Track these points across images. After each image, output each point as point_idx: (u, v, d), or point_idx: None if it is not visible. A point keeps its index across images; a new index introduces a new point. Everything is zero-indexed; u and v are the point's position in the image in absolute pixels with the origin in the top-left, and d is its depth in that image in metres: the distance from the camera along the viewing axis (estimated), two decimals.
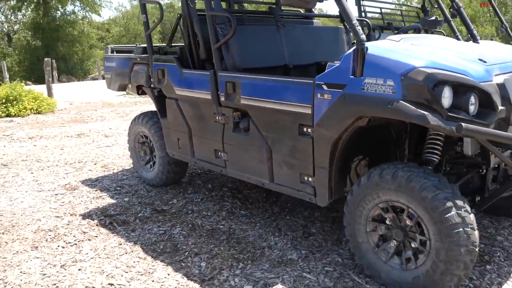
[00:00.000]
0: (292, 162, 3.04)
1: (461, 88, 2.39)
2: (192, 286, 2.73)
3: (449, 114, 2.31)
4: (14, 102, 9.07)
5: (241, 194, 4.27)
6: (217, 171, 3.75)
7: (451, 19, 4.89)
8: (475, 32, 3.85)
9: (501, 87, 2.49)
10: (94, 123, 8.37)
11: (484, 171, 2.94)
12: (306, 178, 2.99)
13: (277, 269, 2.91)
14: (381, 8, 6.49)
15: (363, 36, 2.53)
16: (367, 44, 2.56)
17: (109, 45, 5.14)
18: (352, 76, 2.56)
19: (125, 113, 9.54)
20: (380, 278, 2.67)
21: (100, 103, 11.16)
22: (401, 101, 2.35)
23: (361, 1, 5.88)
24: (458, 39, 4.14)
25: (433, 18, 5.11)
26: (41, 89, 11.32)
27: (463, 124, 2.22)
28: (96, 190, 4.48)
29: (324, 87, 2.71)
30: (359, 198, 2.67)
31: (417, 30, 4.11)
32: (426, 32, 5.97)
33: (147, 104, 10.96)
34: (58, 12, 27.07)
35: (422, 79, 2.32)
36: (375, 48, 2.55)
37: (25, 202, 4.19)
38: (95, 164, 5.48)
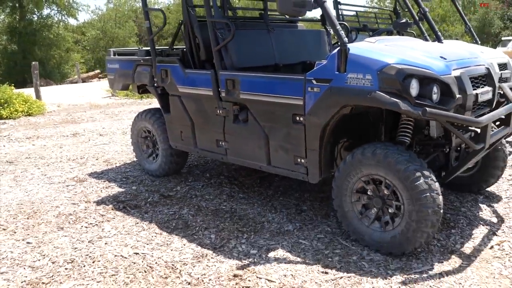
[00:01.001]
0: (287, 146, 3.56)
1: (426, 80, 2.95)
2: (206, 252, 3.21)
3: (416, 101, 2.86)
4: (5, 105, 9.34)
5: (237, 181, 4.77)
6: (218, 159, 4.24)
7: (419, 21, 5.50)
8: (439, 33, 4.43)
9: (458, 79, 3.06)
10: (86, 124, 8.72)
11: (448, 150, 3.52)
12: (299, 159, 3.50)
13: (277, 237, 3.42)
14: (356, 12, 7.06)
15: (346, 39, 3.07)
16: (349, 45, 3.10)
17: (111, 49, 5.57)
18: (337, 72, 3.10)
19: (114, 114, 9.91)
20: (364, 241, 3.21)
21: (88, 105, 11.47)
22: (377, 92, 2.90)
23: (338, 5, 6.44)
24: (426, 39, 4.70)
25: (404, 20, 5.70)
26: (24, 92, 11.55)
27: (427, 108, 2.78)
28: (104, 181, 4.91)
29: (314, 81, 3.24)
30: (345, 173, 3.20)
31: (389, 33, 4.68)
32: (398, 33, 6.59)
33: (134, 105, 11.33)
34: (34, 16, 27.02)
35: (394, 73, 2.87)
36: (355, 48, 3.09)
37: (40, 192, 4.58)
38: (97, 159, 5.89)
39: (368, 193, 3.19)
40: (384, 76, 2.90)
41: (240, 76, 3.78)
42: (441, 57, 3.19)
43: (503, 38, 22.96)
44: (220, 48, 3.92)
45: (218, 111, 4.03)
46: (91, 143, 6.93)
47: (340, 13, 6.49)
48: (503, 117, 3.59)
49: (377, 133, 3.64)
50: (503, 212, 3.85)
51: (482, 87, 3.37)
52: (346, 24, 5.27)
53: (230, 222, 3.72)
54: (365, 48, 3.12)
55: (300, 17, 5.48)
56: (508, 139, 6.60)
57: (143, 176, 5.04)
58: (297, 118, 3.43)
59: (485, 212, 3.86)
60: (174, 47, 4.71)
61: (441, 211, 2.93)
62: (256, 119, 3.74)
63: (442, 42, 4.40)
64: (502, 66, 5.84)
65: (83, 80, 21.38)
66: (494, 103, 3.55)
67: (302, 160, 3.49)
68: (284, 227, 3.60)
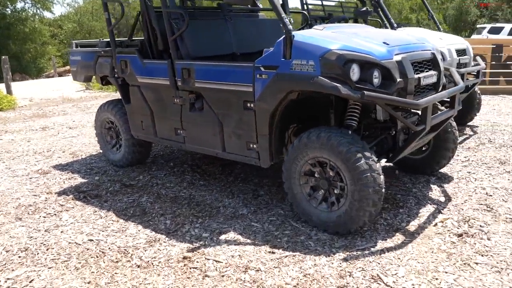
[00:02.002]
0: (240, 132, 3.65)
1: (367, 65, 3.06)
2: (159, 237, 3.30)
3: (357, 85, 2.97)
4: None
5: (200, 169, 4.85)
6: (177, 147, 4.32)
7: (379, 9, 5.61)
8: (392, 21, 4.54)
9: (399, 63, 3.17)
10: (57, 117, 8.69)
11: (394, 132, 3.65)
12: (251, 145, 3.60)
13: (230, 221, 3.52)
14: (322, 0, 7.15)
15: (290, 27, 3.17)
16: (294, 32, 3.20)
17: (74, 41, 5.58)
18: (283, 59, 3.20)
19: (86, 107, 9.88)
20: (312, 221, 3.33)
21: (60, 99, 11.40)
22: (320, 77, 3.00)
23: None
24: (386, 26, 4.77)
25: (364, 9, 5.82)
26: None
27: (365, 92, 2.90)
28: (67, 173, 4.94)
29: (262, 68, 3.33)
30: (293, 157, 3.30)
31: (343, 21, 4.78)
32: (365, 21, 6.70)
33: (108, 98, 11.26)
34: (7, 9, 26.53)
35: (335, 59, 2.98)
36: (300, 35, 3.18)
37: (2, 185, 4.61)
38: (63, 152, 5.91)
39: (315, 175, 3.30)
40: (325, 61, 3.01)
41: (194, 65, 3.85)
42: (384, 42, 3.29)
43: (478, 26, 23.33)
44: (176, 38, 3.98)
45: (175, 100, 4.09)
46: (59, 136, 6.93)
47: (304, 1, 6.57)
48: (448, 99, 3.74)
49: (327, 118, 3.75)
50: (452, 192, 4.00)
51: (427, 71, 3.49)
52: (305, 13, 5.36)
53: (187, 208, 3.80)
54: (310, 35, 3.22)
55: (262, 7, 5.56)
56: (470, 123, 6.81)
57: (107, 167, 5.08)
58: (248, 104, 3.52)
59: (435, 192, 4.01)
60: (139, 38, 4.75)
61: (383, 190, 3.06)
62: (211, 107, 3.82)
63: (395, 29, 4.51)
64: (461, 52, 6.00)
65: (60, 74, 21.10)
66: (440, 86, 3.68)
67: (254, 146, 3.59)
68: (239, 211, 3.70)
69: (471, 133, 6.30)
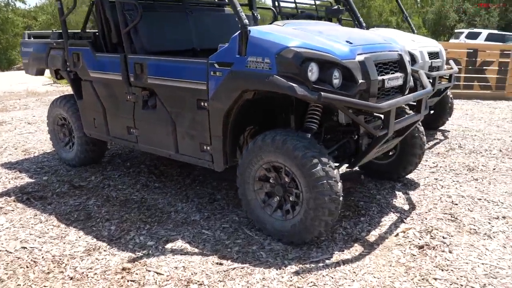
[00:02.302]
0: (193, 133, 3.41)
1: (326, 65, 2.86)
2: (100, 245, 3.03)
3: (314, 86, 2.77)
4: None
5: (158, 170, 4.59)
6: (130, 147, 4.06)
7: (355, 7, 5.42)
8: (361, 19, 4.36)
9: (362, 64, 2.97)
10: (17, 112, 8.30)
11: (356, 136, 3.46)
12: (205, 147, 3.37)
13: (180, 228, 3.28)
14: None
15: (246, 21, 2.95)
16: (250, 28, 2.97)
17: (26, 31, 5.25)
18: (238, 56, 2.97)
19: (50, 102, 9.46)
20: (266, 230, 3.11)
21: (25, 92, 10.94)
22: (275, 76, 2.78)
23: None
24: (358, 26, 4.55)
25: (336, 7, 5.64)
26: None
27: (322, 93, 2.69)
28: (15, 172, 4.63)
29: (216, 65, 3.10)
30: (247, 161, 3.08)
31: (310, 17, 4.58)
32: (338, 21, 6.51)
33: None
34: None
35: (291, 57, 2.76)
36: (257, 31, 2.96)
37: None
38: (15, 149, 5.57)
39: (271, 181, 3.09)
40: (282, 59, 2.79)
41: (147, 60, 3.60)
42: (348, 41, 3.10)
43: (456, 31, 23.51)
44: (129, 30, 3.72)
45: (128, 97, 3.83)
46: (15, 132, 6.57)
47: None
48: (414, 103, 3.57)
49: (287, 120, 3.54)
50: (417, 200, 3.84)
51: (392, 73, 3.30)
52: (273, 9, 5.16)
53: (136, 213, 3.55)
54: (267, 31, 3.00)
55: (227, 1, 5.33)
56: (442, 127, 6.70)
57: (59, 166, 4.78)
58: (202, 103, 3.29)
59: (399, 200, 3.84)
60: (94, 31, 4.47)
61: (340, 198, 2.86)
62: (164, 105, 3.57)
63: (364, 28, 4.32)
64: (434, 55, 5.87)
65: None
66: (407, 89, 3.50)
67: (208, 148, 3.35)
68: (191, 217, 3.46)
69: (442, 138, 6.19)
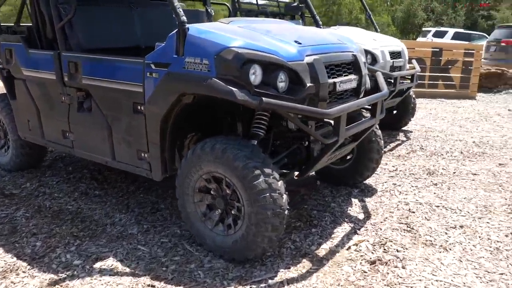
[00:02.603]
0: (129, 139, 3.12)
1: (271, 67, 2.61)
2: (20, 265, 2.72)
3: (256, 90, 2.52)
4: None
5: (101, 175, 4.27)
6: (66, 152, 3.73)
7: (311, 5, 5.22)
8: (317, 18, 4.14)
9: (311, 66, 2.74)
10: None
11: (307, 143, 3.25)
12: (142, 154, 3.09)
13: (114, 243, 2.99)
14: None
15: (184, 18, 2.67)
16: (190, 25, 2.70)
17: None
18: (175, 56, 2.70)
19: None
20: (207, 245, 2.85)
21: None
22: (214, 79, 2.52)
23: None
24: (317, 24, 4.30)
25: (295, 4, 5.43)
26: None
27: (263, 98, 2.45)
28: None
29: (152, 66, 2.82)
30: (186, 171, 2.81)
31: (265, 14, 4.35)
32: (302, 18, 6.30)
33: None
34: None
35: (231, 58, 2.51)
36: (196, 29, 2.69)
37: None
38: None
39: (212, 192, 2.83)
40: (221, 60, 2.53)
41: (81, 58, 3.28)
42: (296, 41, 2.86)
43: (423, 29, 23.73)
44: (63, 25, 3.40)
45: (62, 98, 3.50)
46: None
47: None
48: (370, 107, 3.37)
49: (234, 126, 3.28)
50: (373, 208, 3.66)
51: (346, 75, 3.09)
52: (227, 4, 4.89)
53: (68, 226, 3.24)
54: (208, 29, 2.73)
55: None
56: (404, 128, 6.58)
57: None
58: (138, 107, 3.00)
59: (354, 208, 3.65)
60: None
61: (285, 212, 2.62)
62: (99, 108, 3.27)
63: (320, 27, 4.10)
64: (395, 55, 5.72)
65: None
66: (362, 92, 3.30)
67: (145, 155, 3.07)
68: (128, 230, 3.18)
69: (404, 139, 6.06)
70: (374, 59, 5.33)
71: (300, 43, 2.84)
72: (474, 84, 9.99)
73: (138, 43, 3.94)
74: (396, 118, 6.47)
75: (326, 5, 34.90)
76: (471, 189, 4.11)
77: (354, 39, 5.29)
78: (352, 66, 3.20)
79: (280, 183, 2.61)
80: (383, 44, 5.56)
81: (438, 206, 3.70)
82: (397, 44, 5.92)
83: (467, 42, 17.30)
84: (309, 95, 2.73)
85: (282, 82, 2.64)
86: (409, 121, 6.50)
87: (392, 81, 5.40)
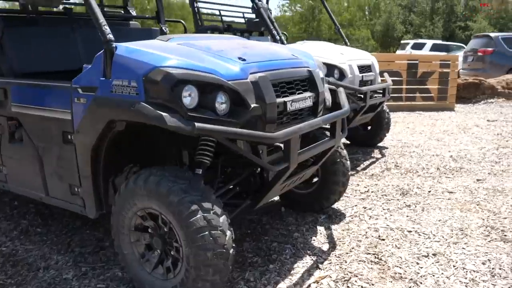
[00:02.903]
0: (61, 172, 2.81)
1: (209, 87, 2.32)
2: None
3: (191, 114, 2.23)
4: None
5: (48, 210, 3.91)
6: (0, 188, 3.39)
7: (273, 21, 4.98)
8: (274, 32, 3.87)
9: (255, 85, 2.46)
10: None
11: (259, 170, 2.95)
12: (75, 189, 2.77)
13: None
14: (219, 10, 6.47)
15: (110, 36, 2.39)
16: (118, 44, 2.42)
17: None
18: (102, 78, 2.41)
19: None
20: None
21: None
22: (142, 103, 2.23)
23: (194, 1, 5.78)
24: (278, 40, 4.04)
25: (257, 20, 5.18)
26: None
27: (196, 124, 2.15)
28: None
29: (80, 90, 2.53)
30: (119, 207, 2.50)
31: (217, 31, 4.09)
32: (262, 33, 6.07)
33: None
34: None
35: (160, 79, 2.22)
36: (124, 48, 2.41)
37: None
38: None
39: (149, 231, 2.51)
40: (150, 82, 2.24)
41: (10, 83, 2.98)
42: (241, 58, 2.58)
43: (402, 42, 23.86)
44: None
45: None
46: None
47: (196, 10, 5.83)
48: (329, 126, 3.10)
49: (179, 155, 2.97)
50: (339, 236, 3.36)
51: (300, 93, 2.82)
52: (182, 22, 4.63)
53: None
54: (138, 47, 2.44)
55: (135, 14, 4.75)
56: (380, 144, 6.33)
57: None
58: (68, 136, 2.69)
59: (319, 237, 3.34)
60: None
61: (230, 251, 2.31)
62: (30, 138, 2.95)
63: (278, 42, 3.84)
64: (365, 68, 5.49)
65: None
66: (320, 111, 3.03)
67: (78, 190, 2.75)
68: (63, 275, 2.83)
69: (379, 156, 5.80)
70: (342, 74, 5.10)
71: (244, 60, 2.57)
72: (452, 95, 9.84)
73: (80, 65, 3.62)
74: (370, 134, 6.23)
75: (306, 21, 35.14)
76: (446, 210, 3.84)
77: (320, 54, 5.11)
78: (308, 82, 2.93)
79: (223, 218, 2.31)
80: (351, 58, 5.33)
81: (410, 231, 3.41)
82: (367, 58, 5.70)
83: (445, 53, 17.35)
84: (254, 117, 2.45)
85: (222, 104, 2.36)
86: (384, 137, 6.26)
87: (362, 96, 5.17)
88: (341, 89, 3.48)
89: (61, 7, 3.87)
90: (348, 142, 6.47)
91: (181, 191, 2.25)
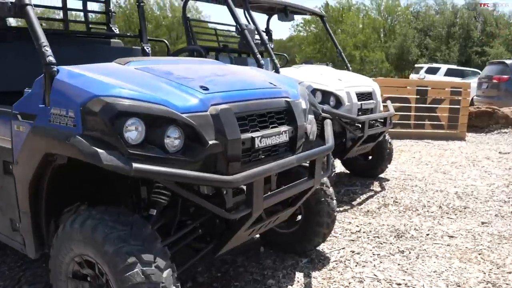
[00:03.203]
0: (2, 205, 2.52)
1: (158, 121, 2.02)
2: None
3: (132, 151, 1.92)
4: None
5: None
6: None
7: (267, 42, 4.71)
8: (258, 56, 3.58)
9: (216, 118, 2.16)
10: None
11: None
12: (16, 224, 2.47)
13: None
14: (215, 30, 6.24)
15: (50, 58, 2.11)
16: (61, 67, 2.15)
17: None
18: (42, 105, 2.13)
19: None
20: None
21: None
22: (77, 136, 1.93)
23: (188, 21, 5.55)
24: (259, 65, 3.76)
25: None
26: None
27: (134, 164, 1.85)
28: None
29: (19, 117, 2.26)
30: (56, 251, 2.19)
31: (198, 53, 3.81)
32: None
33: None
34: None
35: (99, 110, 1.92)
36: (66, 72, 2.14)
37: None
38: None
39: (89, 279, 2.19)
40: (88, 113, 1.95)
41: None
42: (203, 87, 2.28)
43: (415, 65, 23.47)
44: None
45: None
46: None
47: (190, 30, 5.60)
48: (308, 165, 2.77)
49: (136, 193, 2.64)
50: (318, 286, 2.99)
51: (275, 127, 2.50)
52: (165, 41, 4.37)
53: None
54: (83, 72, 2.15)
55: (117, 32, 4.50)
56: (382, 175, 5.95)
57: None
58: (9, 166, 2.40)
59: (296, 287, 2.98)
60: None
61: None
62: None
63: (261, 67, 3.54)
64: (365, 96, 5.16)
65: None
66: (299, 147, 2.71)
67: (19, 225, 2.45)
68: None
69: (378, 189, 5.43)
70: (338, 102, 4.77)
71: (207, 89, 2.27)
72: (463, 124, 9.43)
73: None
74: (371, 165, 5.88)
75: (320, 41, 35.01)
76: (444, 258, 3.45)
77: (315, 80, 4.80)
78: (285, 115, 2.62)
79: (167, 273, 1.98)
80: (349, 84, 5.01)
81: (399, 284, 3.03)
82: (367, 84, 5.37)
83: (460, 79, 16.95)
84: (214, 155, 2.14)
85: (175, 140, 2.05)
86: (385, 168, 5.89)
87: (360, 125, 4.84)
88: (327, 122, 3.17)
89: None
90: (348, 171, 6.13)
91: (118, 240, 1.93)
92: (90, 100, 1.95)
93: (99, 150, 1.87)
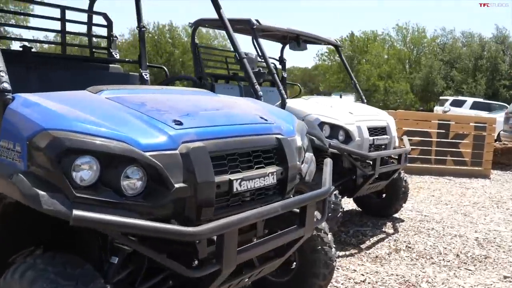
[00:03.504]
0: None
1: (115, 160, 1.75)
2: None
3: (79, 194, 1.66)
4: None
5: None
6: None
7: (274, 72, 4.48)
8: (256, 88, 3.31)
9: (185, 157, 1.88)
10: None
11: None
12: None
13: None
14: (226, 57, 6.05)
15: (5, 85, 1.90)
16: (19, 95, 1.93)
17: None
18: None
19: None
20: None
21: None
22: (19, 174, 1.68)
23: (196, 47, 5.38)
24: (257, 96, 3.50)
25: (257, 70, 4.68)
26: None
27: (74, 211, 1.57)
28: None
29: None
30: None
31: (192, 81, 3.57)
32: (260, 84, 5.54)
33: None
34: None
35: (45, 145, 1.68)
36: (22, 100, 1.92)
37: None
38: None
39: None
40: (34, 148, 1.70)
41: None
42: (176, 121, 2.01)
43: (440, 98, 22.96)
44: None
45: None
46: None
47: (198, 56, 5.42)
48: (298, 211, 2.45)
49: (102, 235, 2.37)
50: None
51: (260, 167, 2.21)
52: (164, 68, 4.17)
53: None
54: (40, 100, 1.92)
55: (118, 57, 4.32)
56: (397, 215, 5.55)
57: None
58: None
59: None
60: None
61: None
62: None
63: (260, 99, 3.27)
64: (378, 131, 4.83)
65: None
66: (289, 190, 2.40)
67: None
68: None
69: (391, 231, 5.03)
70: (348, 136, 4.45)
71: (180, 124, 2.00)
72: (488, 161, 8.94)
73: None
74: (384, 204, 5.49)
75: (344, 71, 34.80)
76: None
77: (324, 112, 4.50)
78: (275, 154, 2.33)
79: None
80: (361, 118, 4.69)
81: None
82: (381, 118, 5.03)
83: (487, 112, 16.41)
84: (181, 200, 1.86)
85: (135, 181, 1.78)
86: (400, 208, 5.49)
87: (371, 162, 4.51)
88: (327, 161, 2.85)
89: (19, 44, 3.48)
90: (360, 209, 5.75)
91: None
92: (38, 134, 1.70)
93: (40, 192, 1.62)
